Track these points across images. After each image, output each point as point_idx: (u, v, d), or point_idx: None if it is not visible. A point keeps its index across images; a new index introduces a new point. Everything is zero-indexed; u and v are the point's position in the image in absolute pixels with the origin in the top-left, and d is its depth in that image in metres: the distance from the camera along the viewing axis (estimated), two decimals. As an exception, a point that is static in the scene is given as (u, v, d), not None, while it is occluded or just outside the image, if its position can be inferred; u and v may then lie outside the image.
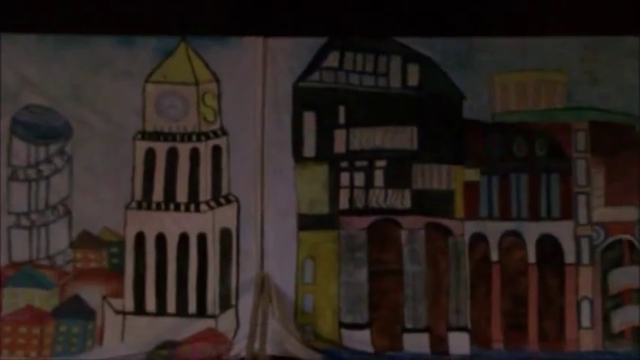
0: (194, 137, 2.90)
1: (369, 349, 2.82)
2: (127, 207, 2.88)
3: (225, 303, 2.86)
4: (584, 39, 2.91)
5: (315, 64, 2.92)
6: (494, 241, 2.86)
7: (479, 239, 2.86)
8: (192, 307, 2.86)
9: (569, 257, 2.85)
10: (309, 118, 2.91)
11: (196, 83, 2.92)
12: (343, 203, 2.89)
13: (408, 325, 2.85)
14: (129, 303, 2.87)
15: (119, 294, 2.87)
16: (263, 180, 2.88)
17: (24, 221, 2.90)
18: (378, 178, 2.89)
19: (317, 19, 2.93)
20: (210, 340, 2.83)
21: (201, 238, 2.88)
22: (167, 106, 2.92)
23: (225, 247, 2.88)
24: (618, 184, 2.85)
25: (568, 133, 2.88)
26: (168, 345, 2.81)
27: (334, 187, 2.89)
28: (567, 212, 2.86)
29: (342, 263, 2.86)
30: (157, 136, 2.91)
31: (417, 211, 2.87)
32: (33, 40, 2.94)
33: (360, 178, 2.89)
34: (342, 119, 2.91)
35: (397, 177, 2.89)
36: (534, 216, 2.86)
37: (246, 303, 2.83)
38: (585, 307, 2.83)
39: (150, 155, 2.90)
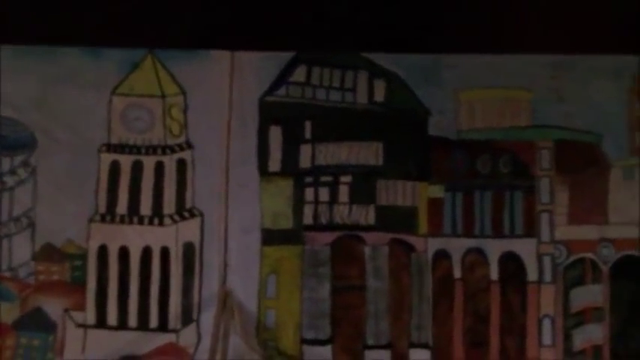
0: (159, 150, 2.89)
1: (331, 365, 2.83)
2: (91, 220, 2.87)
3: (187, 317, 2.85)
4: (552, 57, 2.91)
5: (282, 79, 2.92)
6: (457, 258, 2.86)
7: (442, 256, 2.86)
8: (153, 322, 2.85)
9: (532, 275, 2.86)
10: (276, 133, 2.91)
11: (163, 96, 2.91)
12: (307, 218, 2.89)
13: (370, 342, 2.85)
14: (90, 316, 2.86)
15: (81, 307, 2.86)
16: (228, 194, 2.87)
17: (-13, 232, 2.89)
18: (343, 193, 2.89)
19: (284, 34, 2.93)
20: (171, 354, 2.82)
21: (165, 252, 2.87)
22: (133, 119, 2.91)
23: (189, 261, 2.87)
24: (582, 202, 2.86)
25: (533, 151, 2.89)
26: (130, 359, 2.79)
27: (299, 202, 2.89)
28: (530, 230, 2.87)
29: (304, 279, 2.85)
30: (122, 148, 2.90)
31: (381, 227, 2.87)
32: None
33: (324, 194, 2.89)
34: (308, 134, 2.91)
35: (362, 193, 2.89)
36: (497, 233, 2.86)
37: (208, 318, 2.82)
38: (547, 324, 2.84)
39: (114, 168, 2.89)
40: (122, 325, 2.85)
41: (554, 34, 2.93)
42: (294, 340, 2.84)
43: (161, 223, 2.87)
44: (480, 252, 2.86)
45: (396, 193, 2.89)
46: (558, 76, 2.92)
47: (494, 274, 2.86)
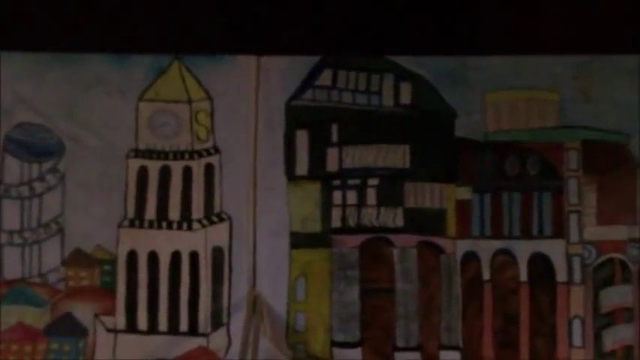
0: (187, 155, 2.90)
1: (361, 367, 2.83)
2: (120, 225, 2.88)
3: (216, 321, 2.86)
4: (577, 57, 2.91)
5: (307, 83, 2.92)
6: (486, 260, 2.86)
7: (471, 258, 2.86)
8: (183, 326, 2.86)
9: (561, 276, 2.85)
10: (302, 137, 2.91)
11: (189, 101, 2.92)
12: (335, 221, 2.89)
13: (400, 344, 2.85)
14: (120, 321, 2.86)
15: (111, 312, 2.87)
16: (255, 198, 2.87)
17: (16, 239, 2.90)
18: (371, 196, 2.89)
19: (310, 38, 2.94)
20: (201, 358, 2.82)
21: (194, 257, 2.88)
22: (160, 124, 2.92)
23: (218, 266, 2.88)
24: (610, 202, 2.85)
25: (560, 151, 2.88)
26: (160, 363, 2.81)
27: (326, 206, 2.89)
28: (559, 231, 2.86)
29: (334, 281, 2.86)
30: (149, 154, 2.91)
31: (410, 229, 2.87)
32: (27, 58, 2.94)
33: (352, 197, 2.89)
34: (334, 137, 2.91)
35: (389, 195, 2.89)
36: (526, 234, 2.86)
37: (237, 321, 2.83)
38: (577, 325, 2.83)
39: (142, 173, 2.90)
40: (152, 329, 2.86)
41: (579, 33, 2.92)
42: (323, 343, 2.84)
43: (190, 228, 2.88)
44: (508, 253, 2.86)
45: (424, 195, 2.88)
46: (584, 76, 2.91)
47: (523, 275, 2.86)
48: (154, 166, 2.89)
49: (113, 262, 2.87)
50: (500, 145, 2.88)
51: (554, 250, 2.84)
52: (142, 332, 2.85)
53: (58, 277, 2.88)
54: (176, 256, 2.87)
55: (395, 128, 2.90)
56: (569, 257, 2.84)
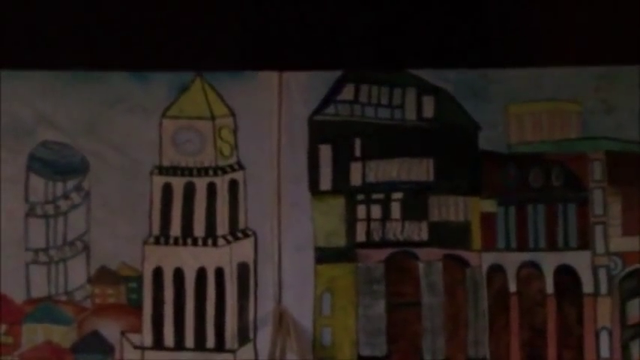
0: (211, 172, 2.91)
1: (388, 381, 2.83)
2: (145, 242, 2.89)
3: (243, 337, 2.86)
4: (598, 68, 2.91)
5: (330, 98, 2.93)
6: (512, 272, 2.86)
7: (496, 270, 2.86)
8: (210, 342, 2.86)
9: (587, 287, 2.85)
10: (325, 151, 2.92)
11: (212, 118, 2.93)
12: (360, 236, 2.89)
13: (427, 358, 2.85)
14: (147, 338, 2.87)
15: (137, 329, 2.87)
16: (280, 214, 2.88)
17: (42, 257, 2.91)
18: (395, 210, 2.90)
19: (332, 53, 2.95)
20: (229, 374, 2.83)
21: (219, 273, 2.88)
22: (183, 141, 2.93)
23: (243, 281, 2.88)
24: (635, 213, 2.85)
25: (584, 163, 2.88)
26: (187, 380, 2.81)
27: (351, 220, 2.89)
28: (584, 242, 2.86)
29: (359, 296, 2.86)
30: (173, 170, 2.92)
31: (435, 243, 2.88)
32: (48, 77, 2.95)
33: (376, 211, 2.90)
34: (358, 152, 2.92)
35: (414, 209, 2.89)
36: (552, 246, 2.86)
37: (264, 337, 2.83)
38: (604, 337, 2.83)
39: (167, 190, 2.91)
40: (179, 345, 2.87)
41: (600, 44, 2.92)
42: (350, 357, 2.85)
43: (215, 244, 2.89)
44: (534, 265, 2.86)
45: (448, 208, 2.89)
46: (606, 87, 2.91)
47: (549, 287, 2.85)
48: (178, 183, 2.90)
49: (139, 279, 2.87)
50: (523, 157, 2.88)
51: (580, 261, 2.84)
52: (168, 349, 2.86)
53: (84, 295, 2.88)
54: (201, 273, 2.87)
55: (418, 142, 2.90)
56: (595, 269, 2.84)
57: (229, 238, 2.90)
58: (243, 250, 2.89)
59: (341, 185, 2.91)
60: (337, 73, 2.95)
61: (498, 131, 2.91)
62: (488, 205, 2.89)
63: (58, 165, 2.94)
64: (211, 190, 2.92)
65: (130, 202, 2.90)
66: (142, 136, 2.93)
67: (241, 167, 2.92)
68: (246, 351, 2.86)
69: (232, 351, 2.87)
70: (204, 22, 2.99)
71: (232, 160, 2.93)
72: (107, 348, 2.87)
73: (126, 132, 2.94)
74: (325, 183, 2.91)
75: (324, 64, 2.94)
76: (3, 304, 2.88)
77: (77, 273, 2.90)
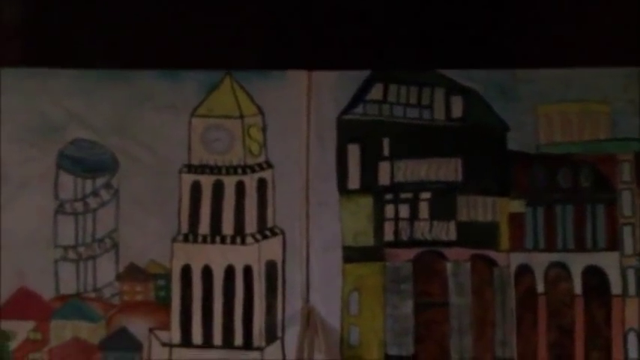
0: (239, 170, 2.92)
1: (416, 381, 2.83)
2: (174, 240, 2.90)
3: (271, 335, 2.87)
4: (627, 69, 2.90)
5: (359, 97, 2.93)
6: (539, 273, 2.85)
7: (524, 271, 2.86)
8: (238, 340, 2.87)
9: (616, 288, 2.84)
10: (354, 151, 2.92)
11: (241, 117, 2.94)
12: (388, 235, 2.89)
13: (454, 358, 2.85)
14: (175, 335, 2.88)
15: (166, 326, 2.89)
16: (308, 212, 2.88)
17: (71, 254, 2.92)
18: (423, 210, 2.90)
19: (361, 52, 2.95)
20: (256, 372, 2.84)
21: (247, 271, 2.89)
22: (213, 140, 2.94)
23: (271, 280, 2.89)
24: (664, 214, 2.85)
25: (613, 163, 2.87)
26: (215, 377, 2.82)
27: (379, 220, 2.89)
28: (613, 243, 2.85)
29: (387, 295, 2.86)
30: (202, 169, 2.93)
31: (463, 242, 2.87)
32: (77, 75, 2.97)
33: (404, 210, 2.90)
34: (386, 151, 2.92)
35: (442, 209, 2.89)
36: (580, 247, 2.85)
37: (292, 335, 2.84)
38: (632, 338, 2.82)
39: (196, 188, 2.92)
40: (207, 343, 2.88)
41: (629, 45, 2.92)
42: (378, 356, 2.85)
43: (243, 242, 2.90)
44: (562, 266, 2.85)
45: (477, 208, 2.89)
46: (635, 87, 2.90)
47: (577, 288, 2.85)
48: (207, 181, 2.91)
49: (167, 276, 2.88)
50: (552, 157, 2.88)
51: (608, 262, 2.84)
52: (196, 346, 2.87)
53: (113, 292, 2.90)
54: (230, 271, 2.88)
55: (447, 142, 2.90)
56: (623, 270, 2.83)
57: (258, 236, 2.91)
58: (272, 248, 2.90)
59: (369, 185, 2.91)
60: (366, 73, 2.95)
61: (527, 131, 2.91)
62: (517, 206, 2.88)
63: (88, 163, 2.95)
64: (240, 188, 2.93)
65: (159, 200, 2.92)
66: (172, 135, 2.95)
67: (270, 166, 2.93)
68: (274, 349, 2.87)
69: (260, 349, 2.88)
70: (234, 21, 3.00)
71: (261, 159, 2.94)
72: (135, 345, 2.88)
73: (155, 130, 2.95)
74: (353, 182, 2.92)
75: (353, 63, 2.94)
76: (32, 300, 2.90)
77: (106, 270, 2.92)
